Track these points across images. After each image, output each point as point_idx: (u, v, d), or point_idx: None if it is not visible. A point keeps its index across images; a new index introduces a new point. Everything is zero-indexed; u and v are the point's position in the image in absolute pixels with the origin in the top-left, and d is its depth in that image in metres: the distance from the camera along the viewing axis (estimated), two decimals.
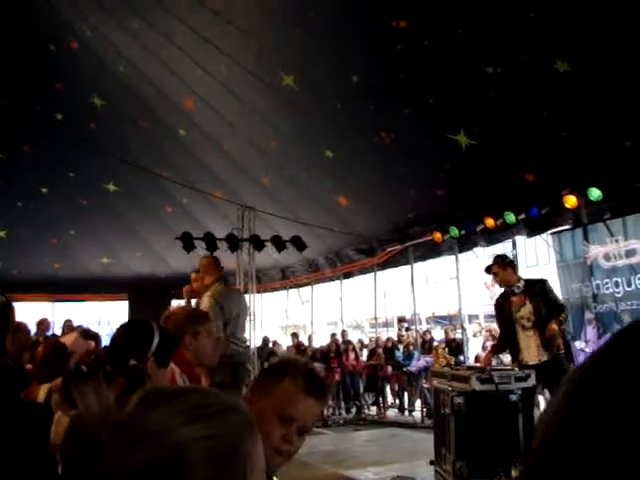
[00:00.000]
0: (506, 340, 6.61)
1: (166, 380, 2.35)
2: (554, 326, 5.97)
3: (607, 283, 8.20)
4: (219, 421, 0.81)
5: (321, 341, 14.88)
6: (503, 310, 6.46)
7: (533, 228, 9.55)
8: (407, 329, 14.12)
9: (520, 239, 10.58)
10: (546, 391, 6.82)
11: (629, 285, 7.88)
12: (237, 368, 5.85)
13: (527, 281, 6.46)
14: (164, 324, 3.36)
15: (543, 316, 6.11)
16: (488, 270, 6.48)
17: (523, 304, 6.27)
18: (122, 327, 2.48)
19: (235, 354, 5.83)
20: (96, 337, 4.48)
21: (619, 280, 8.02)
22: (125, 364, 2.12)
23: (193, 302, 6.72)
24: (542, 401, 7.74)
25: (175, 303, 16.60)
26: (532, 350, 6.17)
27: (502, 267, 6.35)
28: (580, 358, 6.49)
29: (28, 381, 3.75)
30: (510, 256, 8.22)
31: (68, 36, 10.63)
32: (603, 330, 8.21)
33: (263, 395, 1.75)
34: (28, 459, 1.75)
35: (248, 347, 6.10)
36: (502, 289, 6.52)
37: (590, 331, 8.30)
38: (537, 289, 6.26)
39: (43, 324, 10.59)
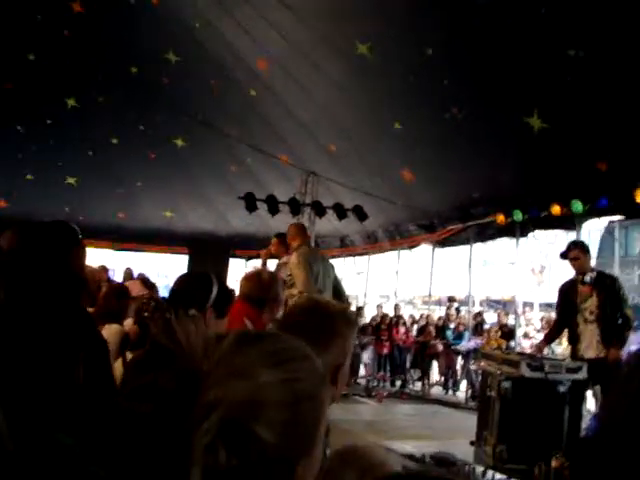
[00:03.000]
0: (562, 328, 6.51)
1: (223, 331, 2.42)
2: (615, 353, 5.85)
3: None
4: (301, 366, 0.87)
5: (373, 313, 14.91)
6: (568, 298, 6.32)
7: (597, 216, 9.31)
8: (457, 309, 14.02)
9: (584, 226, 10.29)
10: (597, 388, 6.72)
11: None
12: None
13: (599, 273, 6.33)
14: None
15: (607, 313, 5.98)
16: (565, 254, 6.33)
17: (590, 295, 6.14)
18: (183, 277, 2.56)
19: None
20: (153, 286, 4.61)
21: None
22: (186, 312, 2.19)
23: (271, 264, 6.98)
24: (590, 397, 7.64)
25: (235, 262, 16.93)
26: (591, 344, 6.06)
27: (583, 252, 6.22)
28: None
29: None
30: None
31: None
32: (637, 323, 7.98)
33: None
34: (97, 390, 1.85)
35: None
36: (569, 277, 6.39)
37: None
38: (608, 284, 6.12)
39: (104, 270, 10.89)
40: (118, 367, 3.36)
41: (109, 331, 3.92)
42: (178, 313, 2.20)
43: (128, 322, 4.03)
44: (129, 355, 3.25)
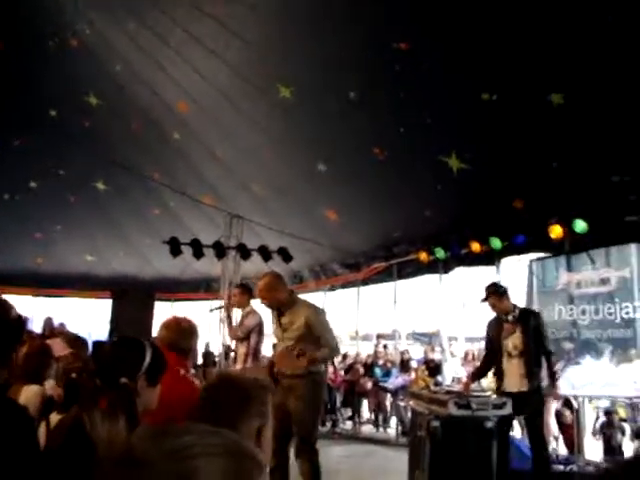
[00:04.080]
0: (490, 365, 6.68)
1: (155, 399, 2.38)
2: (557, 395, 6.36)
3: (571, 310, 8.30)
4: (229, 460, 0.85)
5: None
6: (493, 334, 6.52)
7: (516, 253, 9.63)
8: (385, 346, 14.18)
9: (504, 262, 10.61)
10: (521, 418, 6.93)
11: (597, 313, 7.97)
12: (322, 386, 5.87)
13: (522, 311, 6.54)
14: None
15: (530, 348, 6.19)
16: (484, 300, 6.54)
17: (513, 332, 6.34)
18: (114, 344, 2.51)
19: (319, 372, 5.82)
20: (83, 343, 4.48)
21: (587, 308, 8.11)
22: (116, 381, 2.14)
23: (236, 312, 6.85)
24: (517, 427, 7.85)
25: (160, 305, 16.61)
26: (514, 378, 6.25)
27: (498, 297, 6.41)
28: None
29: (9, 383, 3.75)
30: (495, 280, 8.33)
31: (68, 34, 10.63)
32: (557, 357, 8.27)
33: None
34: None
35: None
36: (494, 315, 6.58)
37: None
38: (531, 322, 6.33)
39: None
40: (41, 430, 3.25)
41: (28, 392, 3.78)
42: (109, 381, 2.15)
43: (50, 382, 3.89)
44: (54, 417, 3.13)
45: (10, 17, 10.00)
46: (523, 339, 6.23)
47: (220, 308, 8.59)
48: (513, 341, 6.29)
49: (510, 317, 6.37)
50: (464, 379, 8.41)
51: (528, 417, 6.33)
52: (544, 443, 6.39)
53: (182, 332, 3.43)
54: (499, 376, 6.42)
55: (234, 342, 8.04)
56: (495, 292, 6.45)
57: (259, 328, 7.36)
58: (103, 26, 10.36)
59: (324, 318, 5.59)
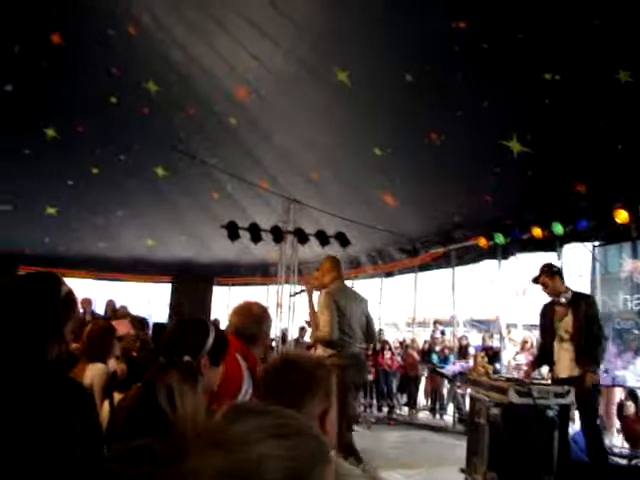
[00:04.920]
0: (546, 350, 6.55)
1: (217, 379, 2.39)
2: (592, 377, 5.95)
3: (638, 299, 8.03)
4: (299, 443, 0.83)
5: None
6: (545, 319, 6.39)
7: (578, 239, 9.36)
8: (442, 332, 14.04)
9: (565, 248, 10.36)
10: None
11: None
12: (364, 367, 5.96)
13: (575, 294, 6.37)
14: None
15: (582, 332, 6.03)
16: (536, 280, 6.41)
17: (565, 315, 6.20)
18: (179, 323, 2.53)
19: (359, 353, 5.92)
20: (143, 324, 4.56)
21: None
22: (179, 359, 2.16)
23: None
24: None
25: (218, 289, 16.86)
26: (564, 363, 6.12)
27: (550, 277, 6.26)
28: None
29: (75, 362, 3.84)
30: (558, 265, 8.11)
31: (127, 22, 10.78)
32: (623, 348, 8.04)
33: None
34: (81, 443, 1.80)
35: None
36: (549, 298, 6.44)
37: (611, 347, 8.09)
38: (583, 305, 6.17)
39: (88, 303, 10.78)
40: (105, 408, 3.32)
41: (94, 371, 3.87)
42: (172, 360, 2.17)
43: (112, 361, 3.97)
44: (117, 395, 3.19)
45: (70, 8, 10.21)
46: (574, 322, 6.08)
47: (302, 292, 8.50)
48: (565, 324, 6.15)
49: (562, 299, 6.21)
50: (524, 367, 8.26)
51: (580, 404, 6.15)
52: (598, 432, 6.23)
53: (251, 318, 3.39)
54: (552, 362, 6.28)
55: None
56: (547, 271, 6.30)
57: None
58: (161, 13, 10.47)
59: (325, 303, 5.87)
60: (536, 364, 6.92)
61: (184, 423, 0.81)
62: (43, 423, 1.74)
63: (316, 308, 6.31)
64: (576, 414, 6.97)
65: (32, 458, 1.67)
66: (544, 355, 6.74)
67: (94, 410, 2.09)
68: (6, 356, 1.86)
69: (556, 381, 5.96)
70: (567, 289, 6.34)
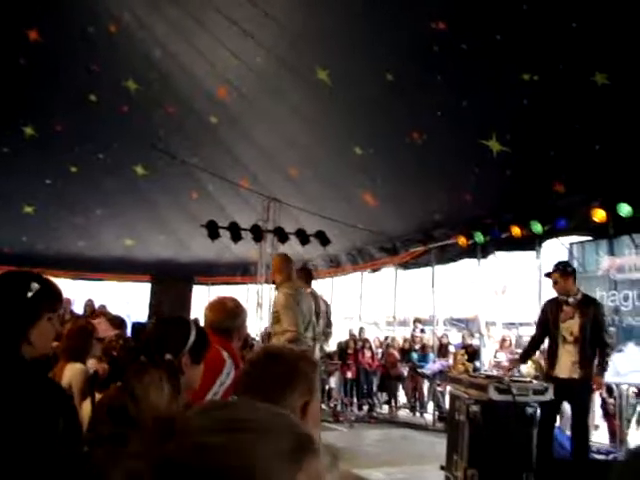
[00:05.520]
0: (538, 346, 6.58)
1: (198, 377, 2.39)
2: (600, 381, 6.10)
3: (613, 295, 8.13)
4: (257, 439, 0.80)
5: (338, 336, 14.89)
6: (550, 315, 6.39)
7: (557, 236, 9.44)
8: (422, 330, 14.11)
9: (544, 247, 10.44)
10: (565, 406, 6.79)
11: None
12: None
13: (585, 296, 6.40)
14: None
15: (587, 336, 6.06)
16: (548, 275, 6.44)
17: (572, 317, 6.21)
18: (160, 321, 2.52)
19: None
20: (122, 324, 4.54)
21: (629, 293, 7.94)
22: (160, 357, 2.15)
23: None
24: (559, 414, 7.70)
25: (197, 289, 16.78)
26: (565, 364, 6.13)
27: (563, 276, 6.28)
28: None
29: (54, 362, 3.82)
30: (537, 264, 8.16)
31: (107, 20, 10.72)
32: None
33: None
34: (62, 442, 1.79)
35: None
36: (555, 294, 6.45)
37: None
38: (591, 309, 6.20)
39: (67, 302, 10.70)
40: (86, 407, 3.30)
41: (72, 371, 3.85)
42: (154, 358, 2.16)
43: (91, 361, 3.95)
44: (98, 395, 3.17)
45: (49, 4, 10.13)
46: (580, 325, 6.09)
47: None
48: (570, 326, 6.16)
49: (571, 299, 6.22)
50: (504, 364, 8.31)
51: (575, 405, 6.20)
52: (587, 433, 6.28)
53: (226, 313, 3.41)
54: (551, 360, 6.29)
55: None
56: (562, 270, 6.32)
57: None
58: (141, 11, 10.42)
59: (286, 302, 5.95)
60: (522, 359, 6.96)
61: (145, 413, 0.82)
62: (23, 424, 1.73)
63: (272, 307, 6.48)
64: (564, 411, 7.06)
65: (14, 458, 1.66)
66: (532, 349, 6.77)
67: (73, 410, 2.09)
68: None
69: (553, 380, 5.98)
70: (578, 291, 6.37)
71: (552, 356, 6.29)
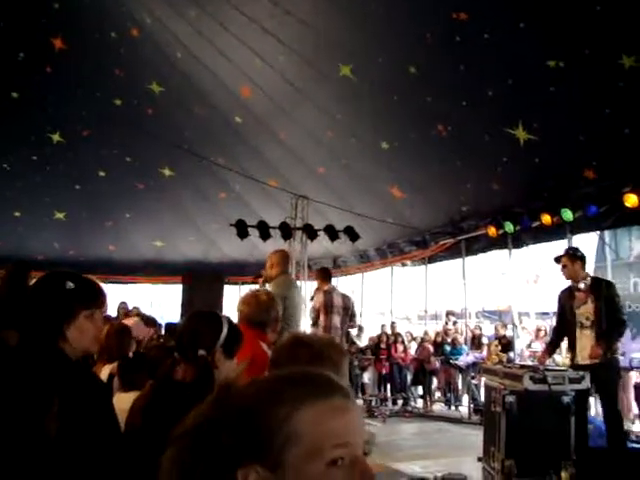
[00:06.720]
0: (562, 336, 6.51)
1: (233, 371, 2.39)
2: (599, 351, 5.89)
3: None
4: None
5: (370, 331, 14.88)
6: (564, 304, 6.35)
7: (589, 226, 9.31)
8: (454, 323, 14.02)
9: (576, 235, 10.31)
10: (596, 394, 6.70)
11: None
12: None
13: (594, 279, 6.33)
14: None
15: (603, 319, 5.98)
16: (557, 260, 6.38)
17: (585, 302, 6.15)
18: (192, 317, 2.52)
19: None
20: (155, 323, 4.57)
21: None
22: (193, 353, 2.16)
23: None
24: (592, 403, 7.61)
25: (228, 288, 16.86)
26: (586, 350, 6.06)
27: (571, 260, 6.23)
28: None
29: (92, 363, 3.87)
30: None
31: (128, 24, 10.81)
32: (636, 330, 8.00)
33: None
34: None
35: None
36: (568, 283, 6.39)
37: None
38: (604, 291, 6.12)
39: None
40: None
41: (109, 371, 3.90)
42: (187, 355, 2.17)
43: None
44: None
45: (72, 13, 10.26)
46: (595, 309, 6.03)
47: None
48: (585, 311, 6.11)
49: (582, 285, 6.17)
50: (539, 353, 8.20)
51: (602, 390, 6.12)
52: (620, 418, 6.19)
53: (261, 306, 3.47)
54: (572, 348, 6.24)
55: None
56: (571, 254, 6.27)
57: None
58: (162, 14, 10.48)
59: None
60: (550, 350, 6.89)
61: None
62: (65, 413, 1.75)
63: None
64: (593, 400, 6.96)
65: (61, 447, 1.69)
66: (558, 341, 6.70)
67: (111, 403, 2.11)
68: (24, 351, 1.90)
69: (577, 367, 5.92)
70: (586, 275, 6.30)
71: (572, 344, 6.23)
